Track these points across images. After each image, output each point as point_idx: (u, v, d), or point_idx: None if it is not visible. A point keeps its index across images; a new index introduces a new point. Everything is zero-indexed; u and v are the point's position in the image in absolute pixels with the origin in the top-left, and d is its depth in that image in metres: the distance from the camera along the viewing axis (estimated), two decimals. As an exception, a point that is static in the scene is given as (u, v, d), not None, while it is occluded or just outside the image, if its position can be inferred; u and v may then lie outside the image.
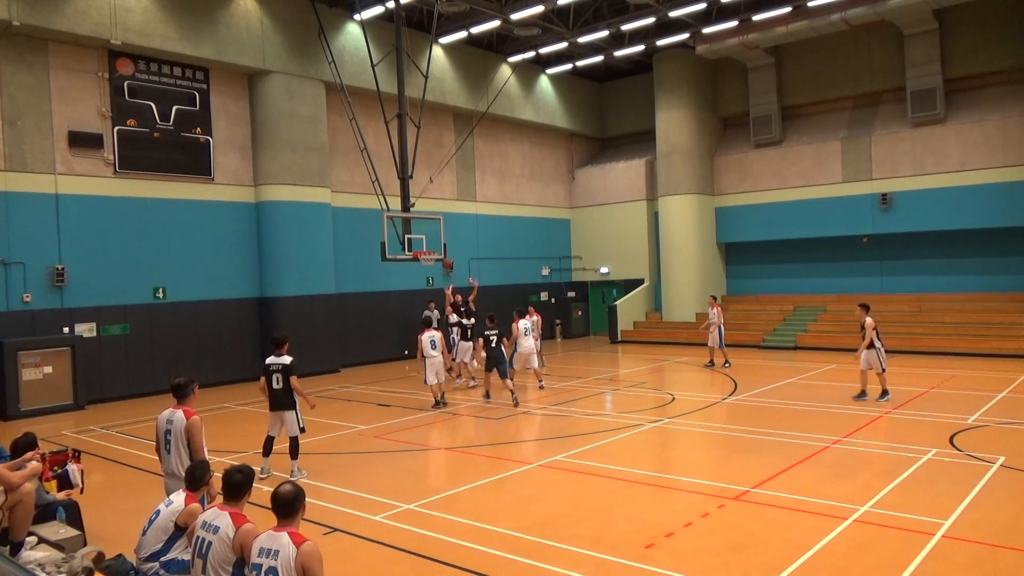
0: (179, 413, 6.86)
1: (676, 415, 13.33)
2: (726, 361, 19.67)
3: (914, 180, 23.07)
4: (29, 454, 6.91)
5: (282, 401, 9.82)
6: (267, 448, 10.01)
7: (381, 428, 13.14)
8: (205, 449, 6.87)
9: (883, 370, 13.85)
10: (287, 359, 9.84)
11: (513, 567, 6.61)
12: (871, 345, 13.86)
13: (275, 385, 9.79)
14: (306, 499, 4.57)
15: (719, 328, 19.46)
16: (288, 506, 4.43)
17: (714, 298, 20.18)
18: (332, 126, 21.64)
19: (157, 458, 7.09)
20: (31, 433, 7.27)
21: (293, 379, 9.76)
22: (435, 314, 23.71)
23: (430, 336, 14.61)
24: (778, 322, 24.82)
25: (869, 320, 13.99)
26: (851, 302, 24.29)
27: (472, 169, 26.62)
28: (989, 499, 7.95)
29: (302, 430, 9.92)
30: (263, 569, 4.27)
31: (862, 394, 14.11)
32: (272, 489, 4.59)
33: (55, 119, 16.66)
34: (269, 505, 4.54)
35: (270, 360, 9.90)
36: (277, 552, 4.26)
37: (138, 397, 17.45)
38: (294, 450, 9.91)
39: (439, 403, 14.72)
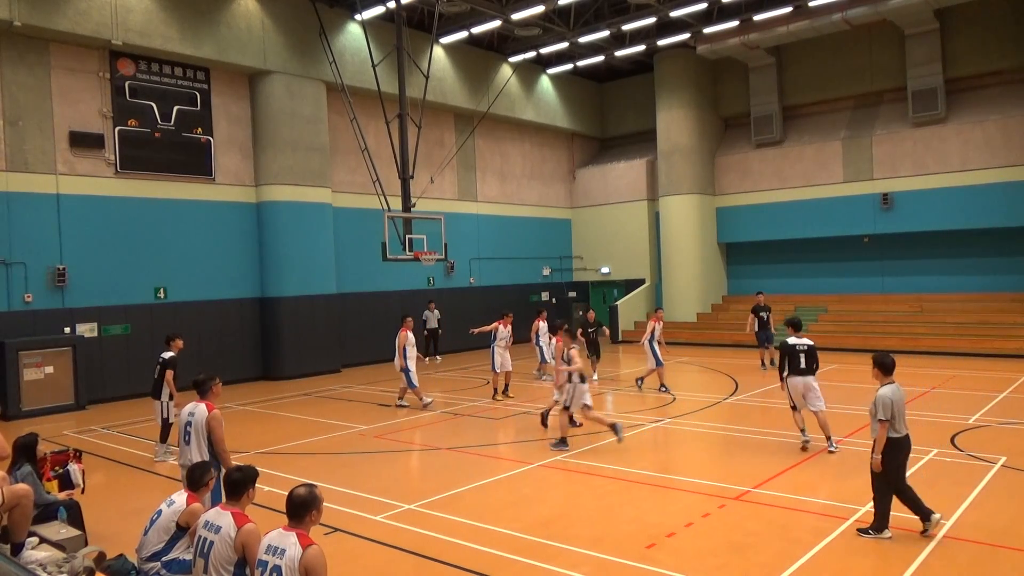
0: (201, 406, 7.34)
1: (677, 415, 13.33)
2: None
3: (915, 180, 23.04)
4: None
5: (154, 390, 11.22)
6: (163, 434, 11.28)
7: (382, 428, 13.15)
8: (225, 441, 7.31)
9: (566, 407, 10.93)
10: (167, 355, 11.18)
11: (514, 567, 6.61)
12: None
13: (155, 375, 11.19)
14: (322, 506, 4.52)
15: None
16: (298, 509, 4.42)
17: (540, 312, 17.76)
18: (333, 126, 21.64)
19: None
20: (34, 433, 7.27)
21: (169, 373, 11.05)
22: (435, 314, 23.65)
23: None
24: (779, 322, 24.77)
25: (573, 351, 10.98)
26: (852, 302, 24.40)
27: (473, 169, 26.61)
28: (990, 499, 7.96)
29: (165, 420, 11.08)
30: (268, 567, 4.29)
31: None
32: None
33: (56, 119, 16.67)
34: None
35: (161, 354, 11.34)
36: (284, 551, 4.27)
37: (139, 397, 17.34)
38: (163, 434, 11.16)
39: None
